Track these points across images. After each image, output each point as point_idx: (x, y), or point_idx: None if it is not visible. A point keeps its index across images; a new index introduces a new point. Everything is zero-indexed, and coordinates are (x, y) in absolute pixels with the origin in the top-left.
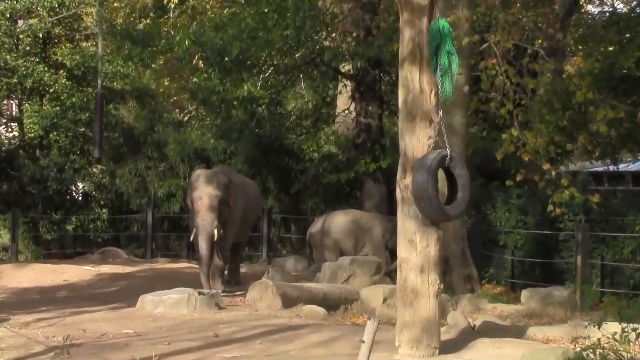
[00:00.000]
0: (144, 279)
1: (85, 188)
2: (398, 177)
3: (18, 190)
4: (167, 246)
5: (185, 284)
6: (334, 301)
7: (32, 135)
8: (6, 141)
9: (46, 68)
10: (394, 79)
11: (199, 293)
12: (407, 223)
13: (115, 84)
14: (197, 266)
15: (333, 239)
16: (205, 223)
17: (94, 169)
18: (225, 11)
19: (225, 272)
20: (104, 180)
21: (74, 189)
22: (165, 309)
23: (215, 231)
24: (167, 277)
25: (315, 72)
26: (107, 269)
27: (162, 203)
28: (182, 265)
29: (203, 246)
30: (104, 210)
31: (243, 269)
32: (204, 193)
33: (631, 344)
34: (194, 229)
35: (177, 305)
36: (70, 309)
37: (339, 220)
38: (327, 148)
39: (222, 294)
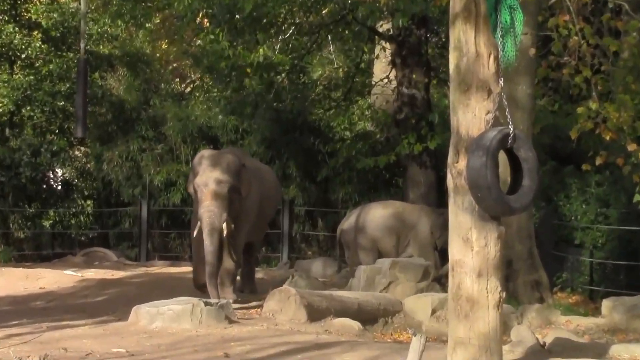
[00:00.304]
0: (138, 287)
1: (66, 175)
2: (449, 160)
3: None
4: (165, 246)
5: (188, 292)
6: (371, 313)
7: (1, 110)
8: None
9: (17, 29)
10: (443, 40)
11: (206, 303)
12: (460, 217)
13: (101, 47)
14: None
15: (369, 236)
16: (211, 215)
17: (77, 152)
18: None
19: (237, 277)
20: (89, 165)
21: (52, 176)
22: (164, 322)
23: (224, 226)
24: (166, 284)
25: (346, 32)
26: (92, 274)
27: (160, 193)
28: (184, 269)
29: (209, 244)
30: (88, 203)
31: (259, 274)
32: (209, 178)
33: None
34: (197, 224)
35: (179, 319)
36: (48, 323)
37: (377, 214)
38: (362, 125)
39: (234, 305)
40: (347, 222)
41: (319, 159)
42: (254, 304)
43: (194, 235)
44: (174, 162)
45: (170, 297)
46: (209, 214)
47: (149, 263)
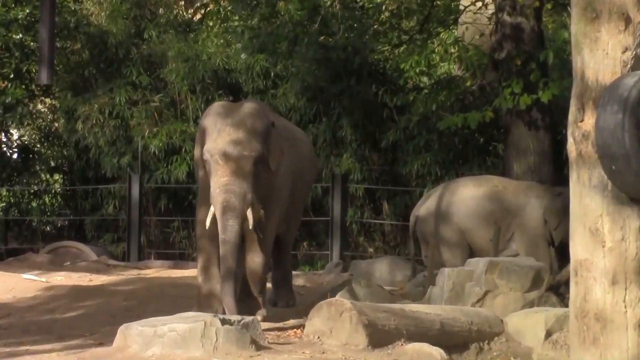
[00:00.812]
0: (127, 297)
1: (24, 138)
2: (570, 118)
3: None
4: (165, 240)
5: (196, 304)
6: (459, 336)
7: None
8: None
9: None
10: None
11: (223, 321)
12: (586, 199)
13: None
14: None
15: (456, 227)
16: (231, 197)
17: (40, 106)
18: None
19: (268, 284)
20: (57, 125)
21: (5, 140)
22: (164, 349)
23: (250, 212)
24: (166, 293)
25: None
26: (62, 278)
27: (157, 165)
28: (191, 272)
29: (227, 238)
30: (56, 178)
31: (299, 279)
32: (228, 144)
33: None
34: (210, 209)
35: (185, 343)
36: (1, 348)
37: (467, 195)
38: (445, 68)
39: (264, 323)
40: (425, 207)
41: (384, 117)
42: (291, 322)
43: (207, 226)
44: (177, 120)
45: (173, 312)
46: (228, 195)
47: (142, 264)
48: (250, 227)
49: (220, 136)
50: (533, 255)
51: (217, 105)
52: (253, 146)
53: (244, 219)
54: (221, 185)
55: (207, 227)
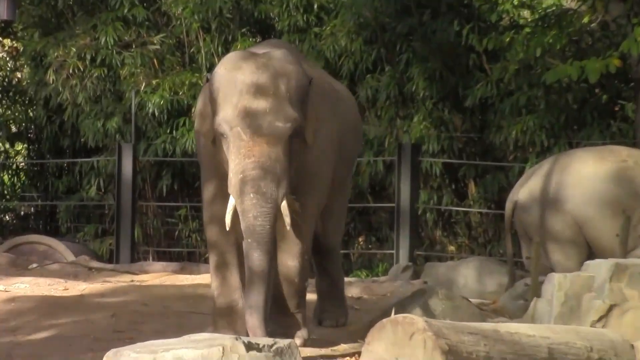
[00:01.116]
0: (117, 312)
1: None
2: None
3: None
4: (168, 234)
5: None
6: None
7: None
8: None
9: None
10: None
11: (249, 346)
12: None
13: None
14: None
15: (570, 217)
16: (261, 185)
17: None
18: None
19: (310, 294)
20: (20, 75)
21: None
22: None
23: (284, 204)
24: (168, 306)
25: None
26: (27, 287)
27: (157, 131)
28: (203, 278)
29: (261, 239)
30: (18, 147)
31: (354, 288)
32: (254, 112)
33: None
34: (230, 200)
35: None
36: None
37: (585, 173)
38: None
39: (305, 349)
40: (526, 190)
41: (470, 66)
42: (342, 347)
43: (228, 226)
44: (184, 68)
45: (179, 334)
46: (255, 183)
47: (136, 266)
48: (288, 228)
49: (242, 100)
50: None
51: (234, 56)
52: (288, 114)
53: (277, 214)
54: (246, 169)
55: (227, 228)
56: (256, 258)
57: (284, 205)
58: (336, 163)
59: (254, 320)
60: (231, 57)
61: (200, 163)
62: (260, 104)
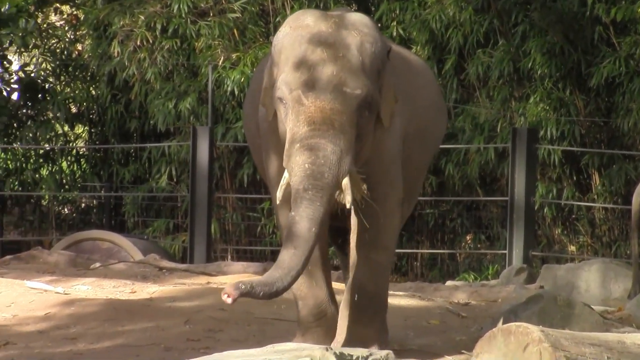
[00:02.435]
0: (190, 318)
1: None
2: None
3: None
4: (250, 231)
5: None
6: None
7: None
8: None
9: None
10: None
11: (340, 357)
12: None
13: None
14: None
15: None
16: (318, 156)
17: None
18: None
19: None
20: (80, 47)
21: (0, 71)
22: None
23: (348, 182)
24: (250, 312)
25: None
26: (89, 289)
27: (238, 112)
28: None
29: (307, 218)
30: (79, 130)
31: (458, 293)
32: (319, 75)
33: None
34: (284, 173)
35: None
36: None
37: None
38: None
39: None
40: None
41: (595, 39)
42: (448, 359)
43: (279, 200)
44: (268, 40)
45: (263, 344)
46: (313, 154)
47: (213, 266)
48: (348, 206)
49: (306, 62)
50: None
51: (301, 14)
52: (359, 81)
53: (334, 192)
54: (303, 138)
55: (278, 201)
56: (299, 230)
57: (345, 182)
58: (412, 149)
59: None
60: (298, 14)
61: (264, 146)
62: (328, 65)
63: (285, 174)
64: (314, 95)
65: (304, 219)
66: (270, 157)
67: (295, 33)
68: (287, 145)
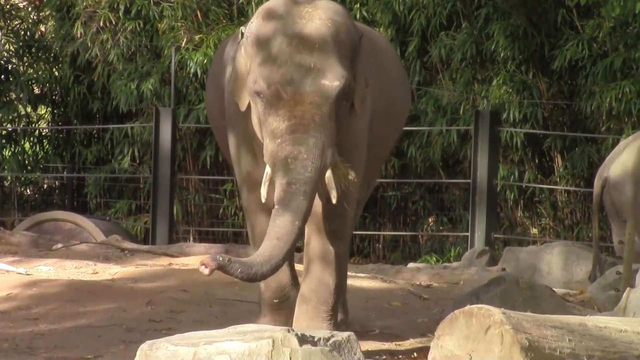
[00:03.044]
0: (152, 298)
1: None
2: None
3: None
4: (212, 212)
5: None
6: None
7: None
8: None
9: None
10: None
11: (302, 338)
12: None
13: None
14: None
15: None
16: (301, 151)
17: None
18: None
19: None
20: (43, 28)
21: None
22: None
23: (331, 174)
24: (212, 292)
25: None
26: (51, 270)
27: (201, 94)
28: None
29: (295, 212)
30: (41, 112)
31: (420, 275)
32: (297, 69)
33: None
34: (266, 168)
35: None
36: None
37: None
38: None
39: (364, 342)
40: (619, 165)
41: (559, 22)
42: (409, 342)
43: (264, 197)
44: (231, 22)
45: (224, 325)
46: (296, 148)
47: (175, 248)
48: (334, 200)
49: (283, 54)
50: None
51: (273, 4)
52: (337, 72)
53: (318, 186)
54: (285, 133)
55: (263, 200)
56: (278, 224)
57: (328, 175)
58: (379, 131)
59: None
60: (270, 5)
61: (232, 133)
62: (304, 58)
63: (267, 169)
64: (293, 89)
65: (288, 212)
66: (239, 146)
67: (269, 25)
68: (267, 140)
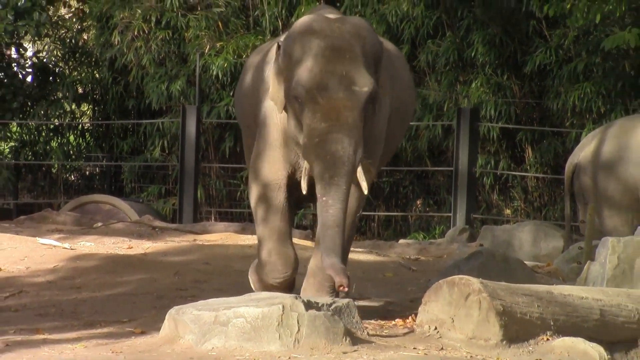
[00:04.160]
0: (179, 271)
1: (42, 55)
2: None
3: None
4: (231, 195)
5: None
6: (624, 329)
7: None
8: None
9: None
10: None
11: (308, 305)
12: None
13: None
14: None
15: (628, 180)
16: (339, 149)
17: (62, 11)
18: None
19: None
20: (86, 36)
21: (16, 56)
22: (229, 340)
23: (361, 171)
24: (231, 265)
25: None
26: (91, 245)
27: (221, 93)
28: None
29: (337, 204)
30: (84, 108)
31: (409, 250)
32: (331, 76)
33: None
34: (304, 164)
35: (257, 333)
36: (10, 337)
37: None
38: None
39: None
40: (587, 153)
41: (530, 32)
42: (400, 308)
43: (305, 189)
44: (248, 31)
45: (240, 292)
46: (334, 146)
47: (199, 226)
48: (365, 192)
49: (318, 64)
50: None
51: (308, 20)
52: (365, 78)
53: (352, 179)
54: (322, 133)
55: (304, 191)
56: (332, 213)
57: (359, 170)
58: (393, 130)
59: (332, 261)
60: (305, 21)
61: (263, 134)
62: (337, 67)
63: (305, 164)
64: (328, 94)
65: (336, 203)
66: (266, 150)
67: (305, 38)
68: (305, 140)
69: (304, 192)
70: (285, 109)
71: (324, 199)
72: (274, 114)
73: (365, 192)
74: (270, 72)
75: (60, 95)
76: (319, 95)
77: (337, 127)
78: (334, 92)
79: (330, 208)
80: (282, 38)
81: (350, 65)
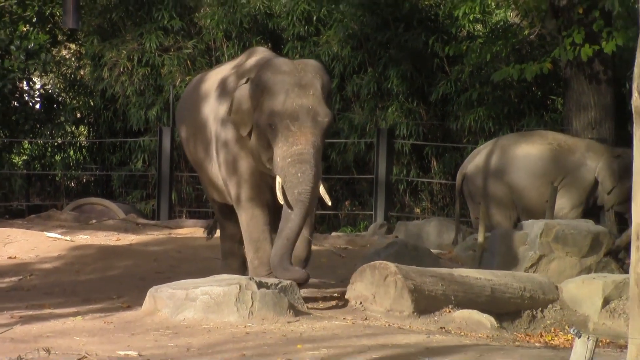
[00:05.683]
0: (157, 258)
1: (48, 87)
2: (636, 71)
3: None
4: (199, 198)
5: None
6: (510, 303)
7: None
8: None
9: None
10: None
11: (260, 284)
12: None
13: None
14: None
15: (509, 185)
16: (307, 168)
17: (64, 52)
18: None
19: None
20: (82, 72)
21: (27, 88)
22: (197, 313)
23: (322, 187)
24: (199, 254)
25: None
26: (87, 237)
27: None
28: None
29: (303, 209)
30: (81, 130)
31: (340, 241)
32: (301, 108)
33: None
34: (277, 179)
35: (219, 307)
36: (21, 312)
37: (521, 152)
38: (501, 16)
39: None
40: (474, 164)
41: (434, 68)
42: (332, 287)
43: (279, 195)
44: (211, 67)
45: (206, 275)
46: (303, 165)
47: (173, 223)
48: (329, 203)
49: (289, 98)
50: (590, 217)
51: (276, 62)
52: (326, 111)
53: (317, 195)
54: (293, 154)
55: (281, 201)
56: (290, 227)
57: (321, 187)
58: None
59: (282, 266)
60: (274, 62)
61: (229, 154)
62: (304, 101)
63: (279, 179)
64: (299, 123)
65: (297, 218)
66: (246, 172)
67: (277, 77)
68: (278, 159)
69: (280, 201)
70: (250, 132)
71: (289, 211)
72: (230, 133)
73: (329, 203)
74: (235, 101)
75: (62, 119)
76: (292, 124)
77: (306, 150)
78: (303, 122)
79: (290, 222)
80: (249, 74)
81: (314, 100)
